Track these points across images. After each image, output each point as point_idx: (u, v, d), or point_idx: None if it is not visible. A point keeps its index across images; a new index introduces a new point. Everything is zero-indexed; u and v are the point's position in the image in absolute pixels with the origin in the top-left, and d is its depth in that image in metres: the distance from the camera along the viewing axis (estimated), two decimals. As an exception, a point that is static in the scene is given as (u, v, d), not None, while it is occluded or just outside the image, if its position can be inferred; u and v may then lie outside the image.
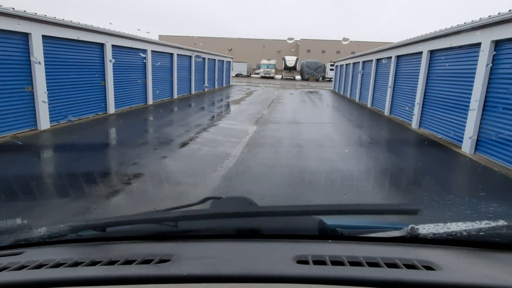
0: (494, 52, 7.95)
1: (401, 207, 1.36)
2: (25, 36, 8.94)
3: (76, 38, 10.78)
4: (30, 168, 6.54)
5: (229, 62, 35.49)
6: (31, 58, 8.96)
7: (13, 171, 6.19)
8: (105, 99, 12.85)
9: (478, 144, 8.24)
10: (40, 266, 1.01)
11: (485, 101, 8.15)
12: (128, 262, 1.01)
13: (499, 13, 7.58)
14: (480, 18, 8.18)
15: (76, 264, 1.02)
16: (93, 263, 1.01)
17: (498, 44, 7.90)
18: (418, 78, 12.17)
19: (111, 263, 1.01)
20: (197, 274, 0.94)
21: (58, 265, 1.02)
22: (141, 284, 0.91)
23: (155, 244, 1.21)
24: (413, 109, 12.07)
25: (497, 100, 7.79)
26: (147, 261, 1.01)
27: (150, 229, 1.31)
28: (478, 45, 8.44)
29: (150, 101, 16.61)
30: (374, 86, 18.70)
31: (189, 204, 1.33)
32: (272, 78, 51.30)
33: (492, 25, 7.87)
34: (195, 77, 23.55)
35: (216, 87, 29.82)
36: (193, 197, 5.14)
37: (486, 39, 8.11)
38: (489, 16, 7.88)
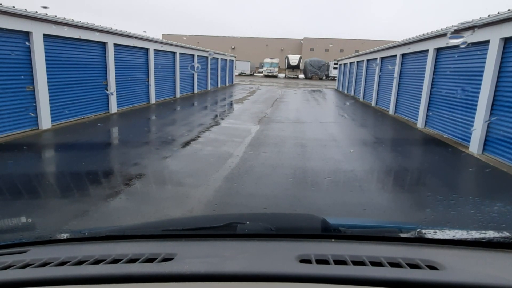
0: (503, 50, 7.77)
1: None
2: (26, 35, 8.87)
3: (77, 37, 10.71)
4: (29, 168, 6.46)
5: (232, 61, 35.38)
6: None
7: (12, 171, 6.12)
8: (107, 98, 12.78)
9: (486, 144, 8.06)
10: (45, 264, 1.02)
11: (493, 99, 7.97)
12: (132, 260, 1.02)
13: (508, 10, 7.39)
14: (489, 15, 7.99)
15: (80, 262, 1.02)
16: (97, 262, 1.02)
17: (507, 41, 7.71)
18: (424, 77, 11.99)
19: (115, 261, 1.02)
20: (200, 272, 0.94)
21: (62, 263, 1.02)
22: (144, 282, 0.91)
23: (158, 243, 1.22)
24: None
25: (506, 99, 7.61)
26: (150, 260, 1.02)
27: (153, 228, 1.33)
28: (486, 42, 8.25)
29: (153, 100, 16.54)
30: (379, 85, 18.50)
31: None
32: (275, 77, 51.16)
33: (502, 22, 7.67)
34: (197, 76, 23.47)
35: (219, 86, 29.74)
36: (194, 199, 5.04)
37: (495, 36, 7.92)
38: (498, 12, 7.69)
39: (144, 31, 18.06)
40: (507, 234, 1.14)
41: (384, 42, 18.76)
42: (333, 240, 1.22)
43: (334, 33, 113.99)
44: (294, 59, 51.71)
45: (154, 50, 16.28)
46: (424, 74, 12.00)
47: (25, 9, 8.57)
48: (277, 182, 6.01)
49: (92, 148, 8.30)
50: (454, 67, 10.26)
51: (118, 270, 0.97)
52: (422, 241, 1.18)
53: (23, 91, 8.92)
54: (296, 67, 51.77)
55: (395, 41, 15.65)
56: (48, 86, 9.57)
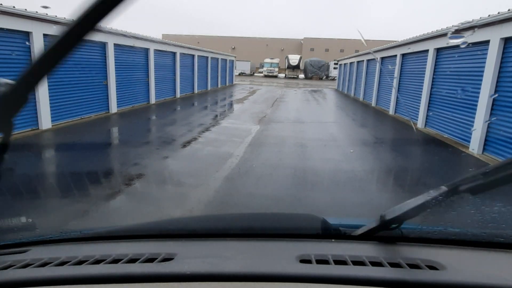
0: (503, 50, 7.77)
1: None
2: (26, 35, 8.87)
3: (77, 36, 10.69)
4: (29, 168, 6.46)
5: (232, 61, 35.39)
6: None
7: (13, 170, 6.11)
8: (107, 98, 12.78)
9: (486, 144, 8.07)
10: (45, 264, 1.02)
11: (493, 99, 7.97)
12: (132, 260, 1.02)
13: (508, 10, 7.40)
14: (489, 15, 7.99)
15: (80, 262, 1.02)
16: (97, 262, 1.02)
17: (507, 41, 7.71)
18: (424, 77, 11.99)
19: (115, 261, 1.02)
20: (200, 272, 0.94)
21: (62, 263, 1.02)
22: (144, 282, 0.91)
23: (158, 242, 1.22)
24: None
25: (506, 99, 7.61)
26: (150, 260, 1.02)
27: (154, 228, 1.33)
28: (486, 42, 8.25)
29: (153, 100, 16.54)
30: (379, 85, 18.50)
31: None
32: (276, 77, 51.17)
33: (502, 22, 7.67)
34: (197, 76, 23.47)
35: (219, 86, 29.75)
36: (194, 199, 5.04)
37: (495, 36, 7.92)
38: (498, 12, 7.69)
39: (144, 32, 18.04)
40: (507, 234, 1.14)
41: (384, 42, 18.76)
42: (333, 240, 1.21)
43: (334, 33, 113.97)
44: (294, 59, 51.73)
45: (154, 50, 16.28)
46: (424, 74, 12.00)
47: (25, 9, 8.57)
48: (277, 182, 6.02)
49: (92, 148, 8.30)
50: (454, 67, 10.26)
51: (118, 270, 0.97)
52: (422, 241, 1.17)
53: (23, 91, 8.91)
54: (296, 67, 51.79)
55: (395, 41, 15.66)
56: (48, 86, 9.56)
